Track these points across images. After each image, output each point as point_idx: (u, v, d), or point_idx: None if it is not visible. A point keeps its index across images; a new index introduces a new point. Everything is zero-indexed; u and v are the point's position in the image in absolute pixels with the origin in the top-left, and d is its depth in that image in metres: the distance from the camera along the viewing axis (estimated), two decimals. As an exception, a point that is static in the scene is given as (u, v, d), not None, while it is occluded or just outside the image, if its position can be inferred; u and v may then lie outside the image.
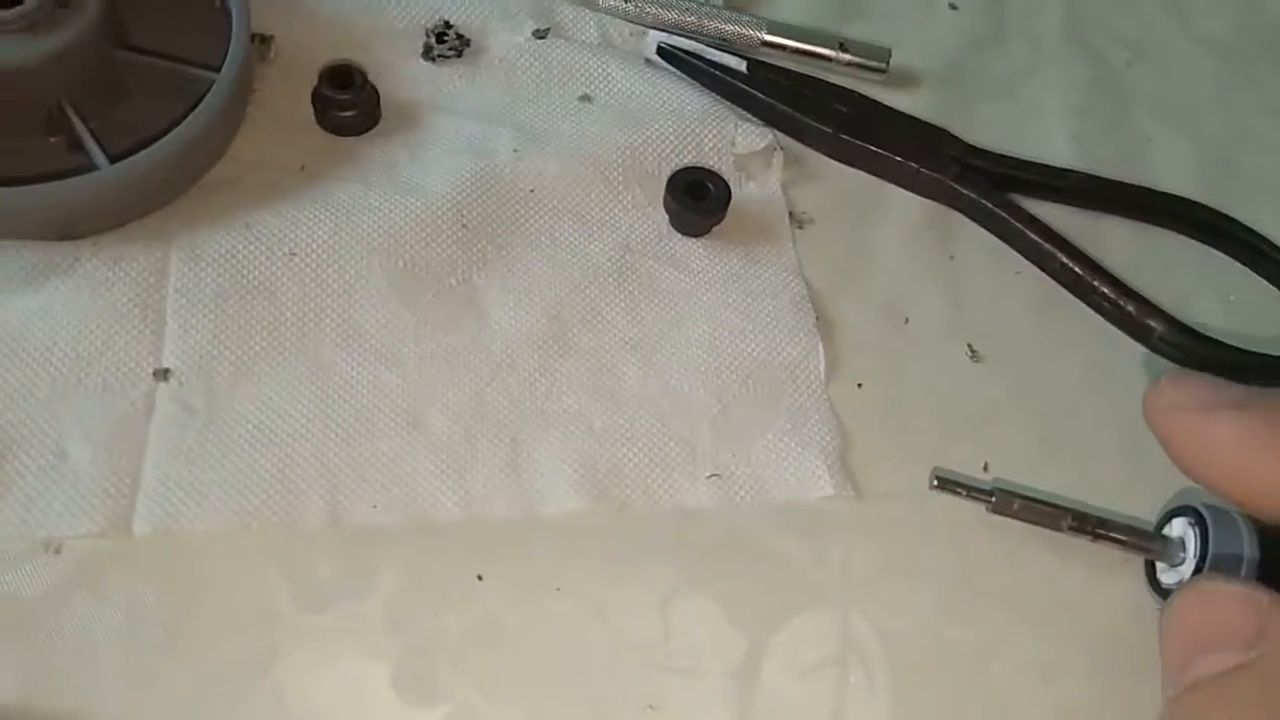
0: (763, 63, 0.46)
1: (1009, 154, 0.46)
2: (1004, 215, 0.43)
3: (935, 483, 0.35)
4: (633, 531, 0.35)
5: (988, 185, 0.44)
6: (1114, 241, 0.45)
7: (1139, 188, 0.46)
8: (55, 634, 0.31)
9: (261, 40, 0.42)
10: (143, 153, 0.36)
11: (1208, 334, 0.41)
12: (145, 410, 0.35)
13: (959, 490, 0.35)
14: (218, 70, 0.38)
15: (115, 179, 0.36)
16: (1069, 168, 0.46)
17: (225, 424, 0.35)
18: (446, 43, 0.44)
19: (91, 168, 0.36)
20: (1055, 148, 0.47)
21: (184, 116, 0.37)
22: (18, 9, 0.35)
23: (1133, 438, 0.39)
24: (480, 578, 0.33)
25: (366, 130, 0.42)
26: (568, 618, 0.33)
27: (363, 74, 0.41)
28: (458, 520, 0.34)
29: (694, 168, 0.42)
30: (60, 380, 0.35)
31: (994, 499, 0.35)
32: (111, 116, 0.38)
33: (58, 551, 0.32)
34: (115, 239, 0.37)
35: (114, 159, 0.36)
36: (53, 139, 0.37)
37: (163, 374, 0.35)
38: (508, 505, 0.35)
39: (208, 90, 0.38)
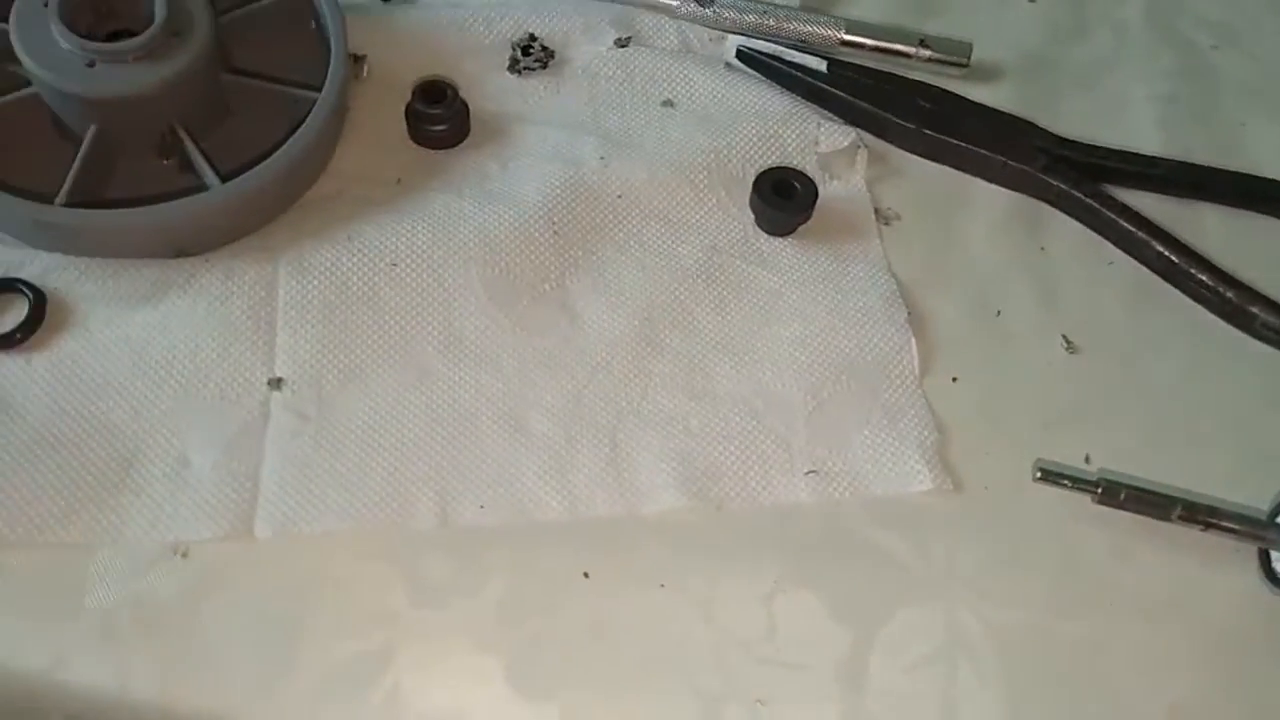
0: (843, 62, 0.46)
1: (1097, 144, 0.45)
2: (1095, 205, 0.43)
3: (1038, 474, 0.35)
4: (733, 528, 0.35)
5: (1077, 176, 0.44)
6: (1210, 229, 0.44)
7: (1233, 173, 0.45)
8: (187, 634, 0.32)
9: (355, 60, 0.44)
10: (251, 172, 0.38)
11: (1313, 319, 0.41)
12: (261, 418, 0.36)
13: (1063, 481, 0.35)
14: (319, 90, 0.40)
15: (226, 198, 0.37)
16: (1159, 155, 0.45)
17: (336, 429, 0.36)
18: (532, 55, 0.45)
19: (203, 188, 0.38)
20: (1144, 136, 0.47)
21: (288, 136, 0.39)
22: (135, 40, 0.37)
23: (1240, 425, 0.39)
24: (586, 575, 0.34)
25: (458, 143, 0.43)
26: (673, 614, 0.34)
27: (453, 89, 0.42)
28: (562, 519, 0.35)
29: (780, 168, 0.42)
30: (181, 391, 0.36)
31: (1100, 489, 0.35)
32: (219, 137, 0.39)
33: (185, 555, 0.34)
34: (226, 255, 0.39)
35: (224, 178, 0.38)
36: (166, 161, 0.39)
37: (276, 383, 0.37)
38: (609, 504, 0.35)
39: (309, 110, 0.39)
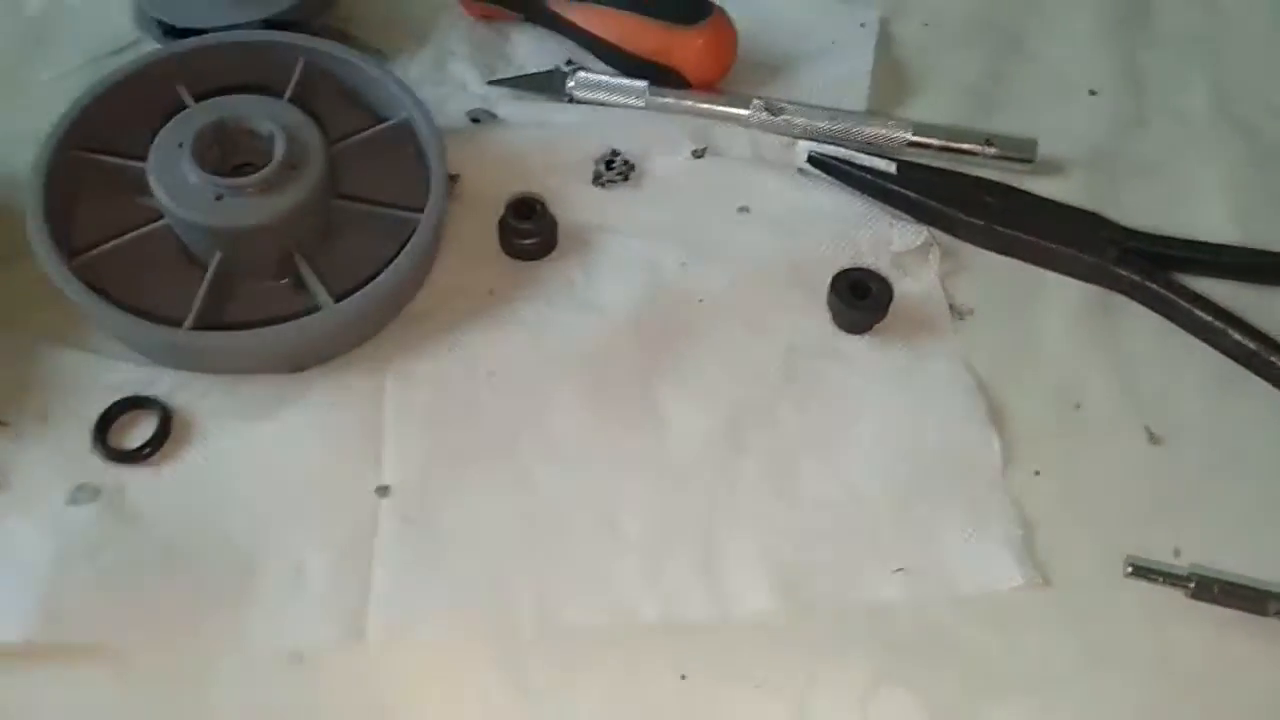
0: (911, 163, 0.48)
1: (1166, 234, 0.46)
2: (1169, 295, 0.44)
3: (1129, 570, 0.36)
4: (826, 628, 0.36)
5: (1149, 266, 0.44)
6: (1288, 315, 0.44)
7: (1308, 258, 0.45)
8: (306, 736, 0.34)
9: (451, 179, 0.47)
10: (361, 292, 0.41)
11: (1401, 404, 0.40)
12: (370, 525, 0.38)
13: (1155, 577, 0.35)
14: (420, 212, 0.43)
15: (340, 317, 0.40)
16: (1231, 244, 0.46)
17: (441, 534, 0.38)
18: (614, 169, 0.47)
19: (317, 308, 0.40)
20: (1215, 226, 0.47)
21: (393, 255, 0.42)
22: (258, 175, 0.40)
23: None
24: (683, 677, 0.35)
25: (546, 254, 0.45)
26: (770, 714, 0.34)
27: (542, 203, 0.45)
28: (658, 620, 0.36)
29: (855, 268, 0.44)
30: (296, 499, 0.38)
31: (1193, 584, 0.35)
32: (330, 258, 0.42)
33: (301, 660, 0.36)
34: (338, 368, 0.41)
35: (336, 298, 0.41)
36: (282, 281, 0.42)
37: (384, 490, 0.39)
38: (703, 607, 0.36)
39: (413, 231, 0.42)
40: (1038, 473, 0.40)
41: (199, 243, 0.41)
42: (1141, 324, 0.44)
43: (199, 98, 0.44)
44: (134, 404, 0.40)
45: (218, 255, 0.41)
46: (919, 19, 0.56)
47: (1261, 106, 0.53)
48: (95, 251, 0.41)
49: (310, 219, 0.42)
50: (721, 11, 0.50)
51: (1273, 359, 0.42)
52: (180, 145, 0.41)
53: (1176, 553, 0.38)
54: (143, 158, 0.41)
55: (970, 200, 0.47)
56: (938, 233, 0.47)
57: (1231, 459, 0.40)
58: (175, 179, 0.41)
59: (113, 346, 0.42)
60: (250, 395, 0.41)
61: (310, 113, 0.44)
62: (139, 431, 0.40)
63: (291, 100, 0.44)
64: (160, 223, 0.41)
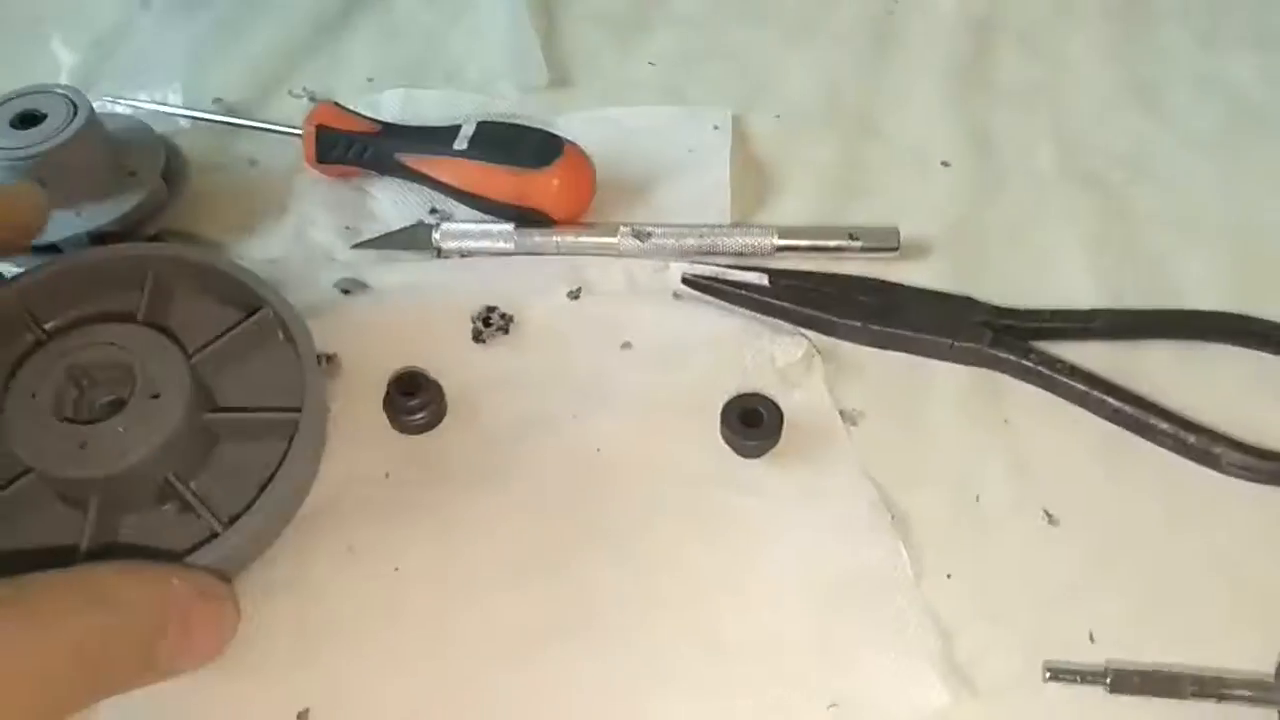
0: (782, 270, 0.49)
1: (1034, 307, 0.48)
2: (1047, 371, 0.45)
3: (1048, 675, 0.36)
4: (766, 781, 0.36)
5: (1023, 344, 0.46)
6: (1160, 368, 0.46)
7: (1168, 312, 0.47)
8: None
9: (327, 360, 0.46)
10: (254, 507, 0.39)
11: (1272, 448, 0.42)
12: (296, 756, 0.37)
13: (1073, 677, 0.36)
14: (299, 410, 0.42)
15: (235, 540, 0.39)
16: (1096, 307, 0.48)
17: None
18: (492, 325, 0.47)
19: (210, 532, 0.39)
20: (1078, 284, 0.49)
21: (280, 457, 0.40)
22: (118, 415, 0.39)
23: (1232, 570, 0.40)
24: None
25: (437, 424, 0.45)
26: None
27: (425, 375, 0.45)
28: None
29: (743, 395, 0.44)
30: (214, 738, 0.37)
31: (1109, 680, 0.36)
32: (213, 474, 0.41)
33: None
34: (238, 590, 0.40)
35: (228, 519, 0.39)
36: (165, 507, 0.41)
37: (304, 714, 0.38)
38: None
39: (295, 429, 0.41)
40: (949, 576, 0.40)
41: (72, 489, 0.40)
42: (1027, 401, 0.45)
43: (49, 329, 0.43)
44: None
45: (93, 499, 0.39)
46: (771, 112, 0.57)
47: (1104, 156, 0.55)
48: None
49: (184, 444, 0.40)
50: (573, 146, 0.50)
51: (1150, 420, 0.43)
52: (34, 396, 0.39)
53: (1091, 637, 0.39)
54: (-2, 408, 0.40)
55: (844, 301, 0.48)
56: (819, 336, 0.47)
57: (1127, 529, 0.41)
58: (34, 432, 0.39)
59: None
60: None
61: (166, 327, 0.42)
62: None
63: (146, 320, 0.43)
64: (28, 477, 0.40)
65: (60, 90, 0.47)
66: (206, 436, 0.42)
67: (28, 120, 0.46)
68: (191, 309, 0.45)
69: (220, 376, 0.43)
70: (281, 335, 0.44)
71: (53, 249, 0.48)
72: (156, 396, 0.40)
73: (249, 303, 0.45)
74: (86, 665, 0.31)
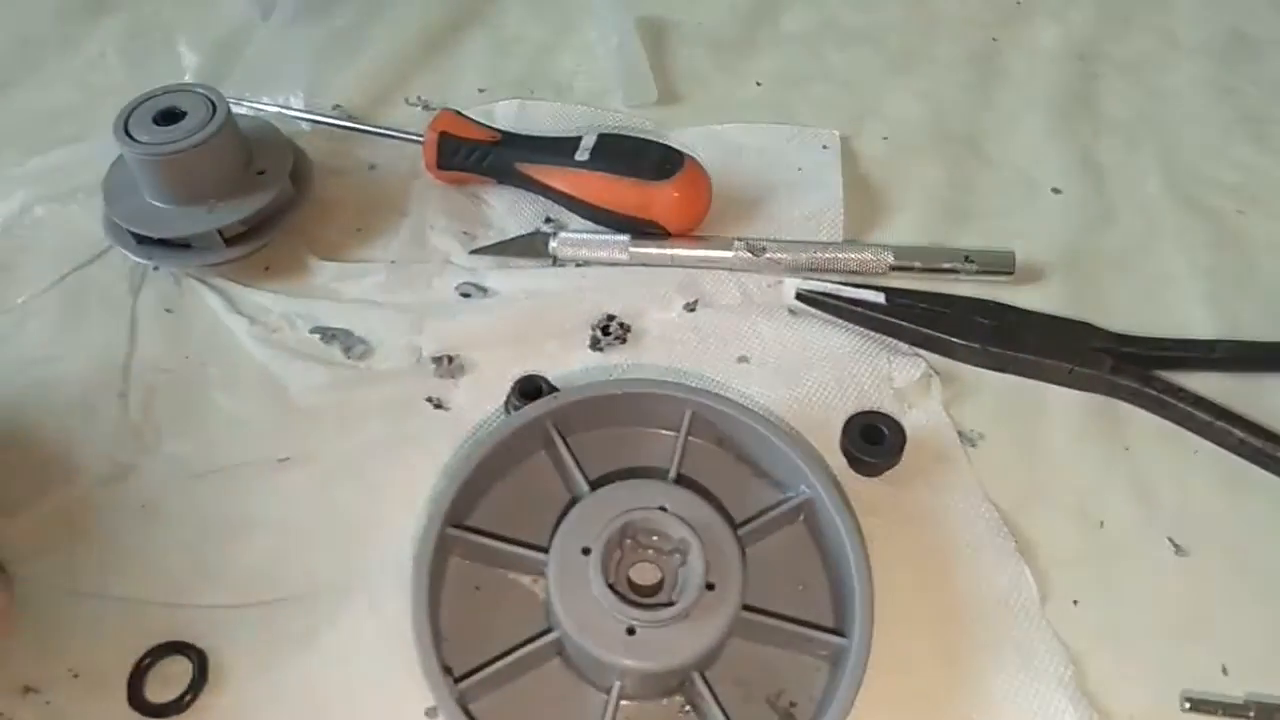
0: (898, 289, 0.49)
1: (1154, 335, 0.47)
2: (1169, 399, 0.45)
3: (1187, 705, 0.36)
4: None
5: (1144, 371, 0.46)
6: (1281, 401, 0.46)
7: (1292, 344, 0.47)
8: None
9: (449, 360, 0.47)
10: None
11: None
12: (421, 750, 0.37)
13: (1214, 709, 0.36)
14: (838, 634, 0.37)
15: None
16: (1211, 337, 0.47)
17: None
18: (611, 334, 0.48)
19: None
20: (1192, 313, 0.49)
21: (815, 681, 0.37)
22: (676, 607, 0.35)
23: (1365, 613, 0.39)
24: None
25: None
26: None
27: (546, 381, 0.45)
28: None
29: (865, 412, 0.44)
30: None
31: (1253, 714, 0.35)
32: (729, 672, 0.37)
33: None
34: None
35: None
36: (674, 699, 0.37)
37: (433, 711, 0.38)
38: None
39: (843, 656, 0.36)
40: (1076, 602, 0.40)
41: (595, 670, 0.36)
42: (1147, 429, 0.45)
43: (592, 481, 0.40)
44: (169, 650, 0.39)
45: (616, 685, 0.35)
46: (878, 133, 0.58)
47: (1214, 186, 0.55)
48: (482, 674, 0.36)
49: (720, 642, 0.36)
50: (693, 161, 0.50)
51: (1276, 453, 0.43)
52: (586, 551, 0.36)
53: (1224, 670, 0.38)
54: (532, 545, 0.38)
55: (962, 323, 0.48)
56: (936, 357, 0.48)
57: (1255, 559, 0.41)
58: (579, 599, 0.35)
59: (138, 589, 0.40)
60: (284, 627, 0.40)
61: (706, 490, 0.40)
62: (176, 680, 0.38)
63: (679, 479, 0.40)
64: (550, 637, 0.36)
65: (201, 90, 0.49)
66: (739, 634, 0.37)
67: (169, 117, 0.48)
68: (720, 468, 0.42)
69: (755, 564, 0.38)
70: (809, 530, 0.40)
71: (182, 245, 0.49)
72: (711, 587, 0.35)
73: (785, 479, 0.41)
74: None
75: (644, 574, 0.38)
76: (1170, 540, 0.42)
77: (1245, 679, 0.38)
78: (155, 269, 0.50)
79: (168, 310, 0.49)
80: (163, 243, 0.49)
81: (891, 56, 0.62)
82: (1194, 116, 0.59)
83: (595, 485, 0.40)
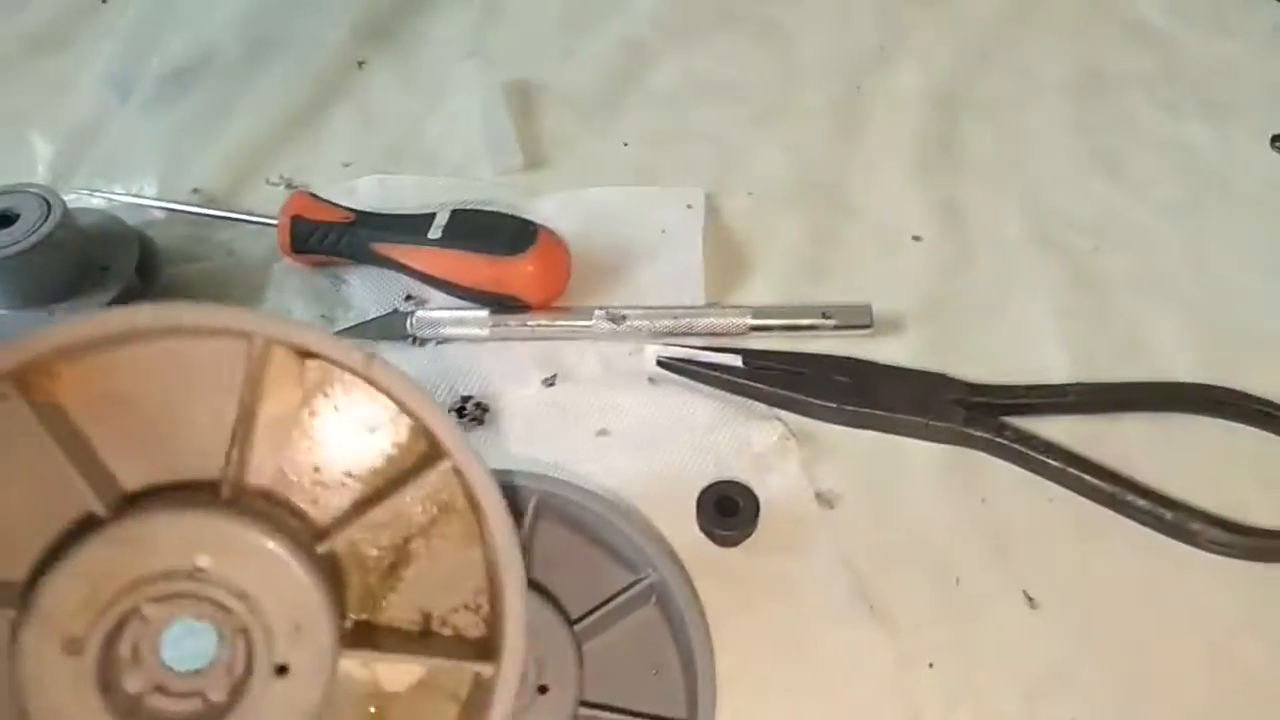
0: (756, 351, 0.49)
1: (1008, 381, 0.48)
2: (1021, 449, 0.45)
3: (1033, 768, 0.36)
4: None
5: (996, 421, 0.46)
6: (1135, 441, 0.46)
7: (1141, 385, 0.48)
8: None
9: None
10: None
11: (1248, 523, 0.42)
12: None
13: (1058, 769, 0.35)
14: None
15: None
16: (1069, 380, 0.48)
17: None
18: (467, 415, 0.47)
19: None
20: (1051, 356, 0.49)
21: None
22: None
23: (1213, 650, 0.40)
24: None
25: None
26: None
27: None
28: None
29: (719, 483, 0.44)
30: None
31: (1094, 772, 0.35)
32: None
33: None
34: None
35: None
36: None
37: None
38: None
39: None
40: (931, 665, 0.40)
41: None
42: (1003, 479, 0.45)
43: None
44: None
45: None
46: (743, 189, 0.58)
47: (1072, 225, 0.56)
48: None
49: None
50: (547, 232, 0.50)
51: (1130, 498, 0.43)
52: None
53: (1076, 725, 0.38)
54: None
55: (819, 381, 0.48)
56: (795, 417, 0.47)
57: (1107, 609, 0.41)
58: None
59: None
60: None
61: (538, 587, 0.37)
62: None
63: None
64: None
65: (35, 190, 0.48)
66: None
67: (2, 221, 0.47)
68: (575, 553, 0.39)
69: (606, 653, 0.36)
70: (666, 608, 0.38)
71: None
72: (545, 690, 0.32)
73: (635, 560, 0.39)
74: None
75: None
76: (1025, 593, 0.42)
77: (1096, 734, 0.38)
78: (0, 374, 0.49)
79: (13, 416, 0.48)
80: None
81: (756, 110, 0.63)
82: (1052, 155, 0.60)
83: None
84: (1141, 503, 0.43)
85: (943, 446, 0.46)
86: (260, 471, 0.25)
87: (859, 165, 0.59)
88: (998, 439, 0.45)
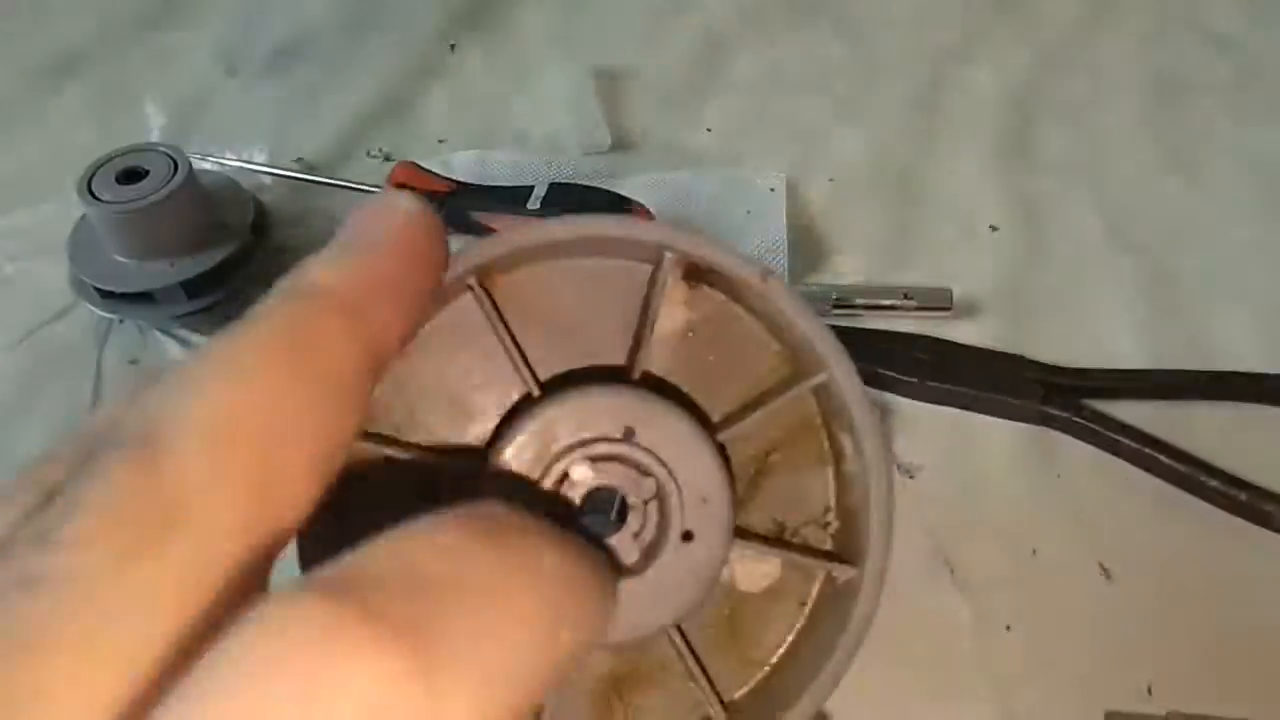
0: (841, 328, 0.51)
1: (1085, 365, 0.49)
2: (1098, 428, 0.46)
3: (1109, 724, 0.37)
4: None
5: (1074, 401, 0.47)
6: (1210, 427, 0.47)
7: (1216, 373, 0.49)
8: None
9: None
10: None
11: (1325, 508, 0.43)
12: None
13: (1134, 726, 0.37)
14: (853, 565, 0.28)
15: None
16: (1145, 368, 0.49)
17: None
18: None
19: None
20: (1124, 346, 0.51)
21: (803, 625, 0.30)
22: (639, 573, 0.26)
23: (1284, 631, 0.41)
24: None
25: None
26: None
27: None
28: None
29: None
30: None
31: (1170, 729, 0.37)
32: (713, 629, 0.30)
33: None
34: None
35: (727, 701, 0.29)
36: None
37: None
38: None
39: (851, 594, 0.29)
40: (1008, 628, 0.42)
41: None
42: (1078, 457, 0.47)
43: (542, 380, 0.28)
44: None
45: None
46: (824, 175, 0.60)
47: (1145, 224, 0.57)
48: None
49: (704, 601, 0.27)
50: (640, 207, 0.52)
51: (1201, 478, 0.45)
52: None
53: (1149, 690, 0.40)
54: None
55: (901, 358, 0.49)
56: (876, 392, 0.49)
57: (1181, 585, 0.43)
58: None
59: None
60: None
61: (679, 389, 0.28)
62: None
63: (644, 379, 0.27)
64: None
65: (163, 149, 0.50)
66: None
67: (131, 176, 0.49)
68: (701, 351, 0.29)
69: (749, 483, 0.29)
70: (827, 426, 0.29)
71: (146, 297, 0.50)
72: (690, 537, 0.26)
73: (800, 365, 0.28)
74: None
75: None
76: (1100, 565, 0.43)
77: (1169, 698, 0.39)
78: (120, 322, 0.52)
79: (132, 362, 0.51)
80: (127, 297, 0.51)
81: (837, 100, 0.65)
82: (1126, 155, 0.61)
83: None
84: (1215, 484, 0.44)
85: (1020, 425, 0.48)
86: (659, 366, 0.28)
87: (937, 157, 0.61)
88: (1075, 418, 0.47)
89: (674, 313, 0.28)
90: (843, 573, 0.29)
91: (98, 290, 0.51)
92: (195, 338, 0.51)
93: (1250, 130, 0.62)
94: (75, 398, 0.49)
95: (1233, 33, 0.68)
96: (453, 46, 0.68)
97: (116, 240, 0.50)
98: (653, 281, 0.27)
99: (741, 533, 0.28)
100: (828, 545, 0.30)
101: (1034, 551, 0.44)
